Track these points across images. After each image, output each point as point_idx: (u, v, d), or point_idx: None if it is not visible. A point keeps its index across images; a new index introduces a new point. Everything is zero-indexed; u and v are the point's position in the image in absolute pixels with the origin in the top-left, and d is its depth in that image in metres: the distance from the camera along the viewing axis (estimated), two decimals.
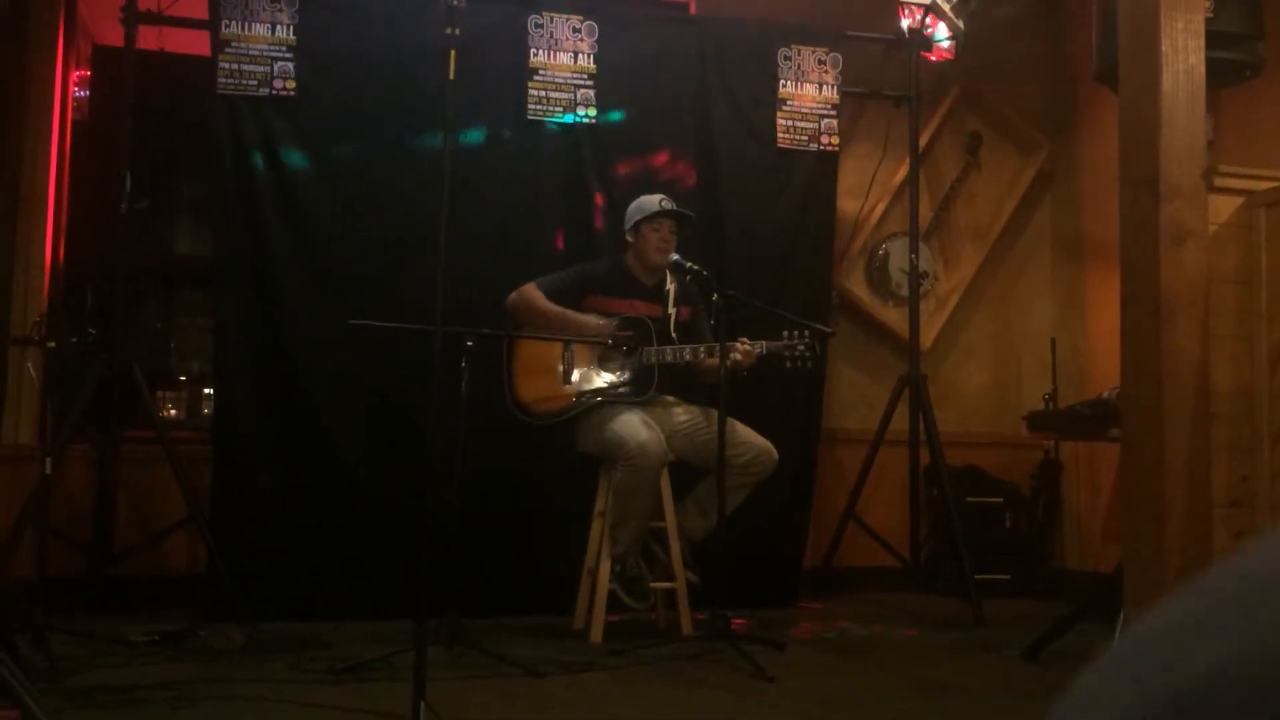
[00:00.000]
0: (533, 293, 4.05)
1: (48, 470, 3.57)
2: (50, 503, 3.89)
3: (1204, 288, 2.78)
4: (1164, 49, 2.74)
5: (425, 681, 2.67)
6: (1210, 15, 2.85)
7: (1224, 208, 2.84)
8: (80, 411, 4.08)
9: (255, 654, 3.57)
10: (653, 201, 4.13)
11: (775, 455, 4.04)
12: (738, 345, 3.89)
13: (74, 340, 3.69)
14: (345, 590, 4.20)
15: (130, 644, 3.55)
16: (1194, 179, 2.77)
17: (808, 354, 3.94)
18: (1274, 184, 2.85)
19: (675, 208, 4.14)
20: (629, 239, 4.18)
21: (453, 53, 3.19)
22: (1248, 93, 3.53)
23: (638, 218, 4.13)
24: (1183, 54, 2.75)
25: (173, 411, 5.66)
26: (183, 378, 5.96)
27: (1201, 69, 2.78)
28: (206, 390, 5.42)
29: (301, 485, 4.27)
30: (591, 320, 4.04)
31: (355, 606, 4.15)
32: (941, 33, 5.00)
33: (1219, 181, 2.82)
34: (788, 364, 3.97)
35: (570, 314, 4.05)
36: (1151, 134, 2.75)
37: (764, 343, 3.98)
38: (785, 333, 3.99)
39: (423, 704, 2.65)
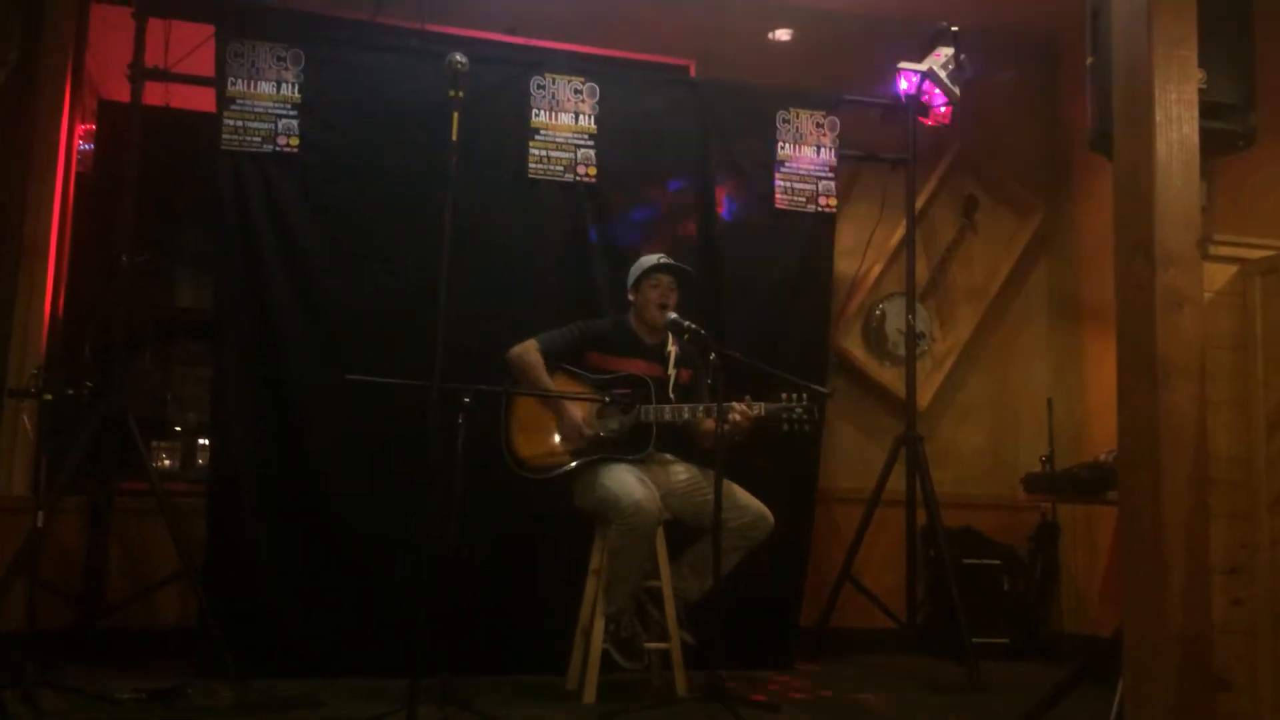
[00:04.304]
0: (533, 352, 4.06)
1: (39, 523, 3.55)
2: (42, 555, 3.86)
3: (1200, 353, 2.79)
4: (1158, 119, 2.78)
5: None
6: (1203, 86, 2.88)
7: (1219, 275, 2.86)
8: (74, 463, 4.06)
9: (244, 713, 3.53)
10: (651, 258, 4.18)
11: (771, 520, 4.01)
12: (735, 406, 3.89)
13: (70, 392, 3.68)
14: (338, 647, 4.16)
15: (117, 701, 3.51)
16: (1189, 246, 2.79)
17: (805, 417, 3.92)
18: (1268, 253, 2.87)
19: (672, 262, 4.17)
20: (631, 297, 4.20)
21: (455, 115, 3.23)
22: (1242, 161, 3.58)
23: (637, 274, 4.17)
24: (1176, 124, 2.78)
25: (167, 462, 5.64)
26: (178, 428, 5.94)
27: (1195, 139, 2.81)
28: (202, 440, 5.40)
29: (296, 540, 4.24)
30: (578, 411, 4.02)
31: (348, 664, 4.11)
32: (938, 99, 5.07)
33: (1214, 250, 2.84)
34: (785, 427, 3.95)
35: (562, 402, 4.01)
36: (1147, 202, 2.78)
37: (763, 405, 3.97)
38: (784, 395, 3.98)
39: None
